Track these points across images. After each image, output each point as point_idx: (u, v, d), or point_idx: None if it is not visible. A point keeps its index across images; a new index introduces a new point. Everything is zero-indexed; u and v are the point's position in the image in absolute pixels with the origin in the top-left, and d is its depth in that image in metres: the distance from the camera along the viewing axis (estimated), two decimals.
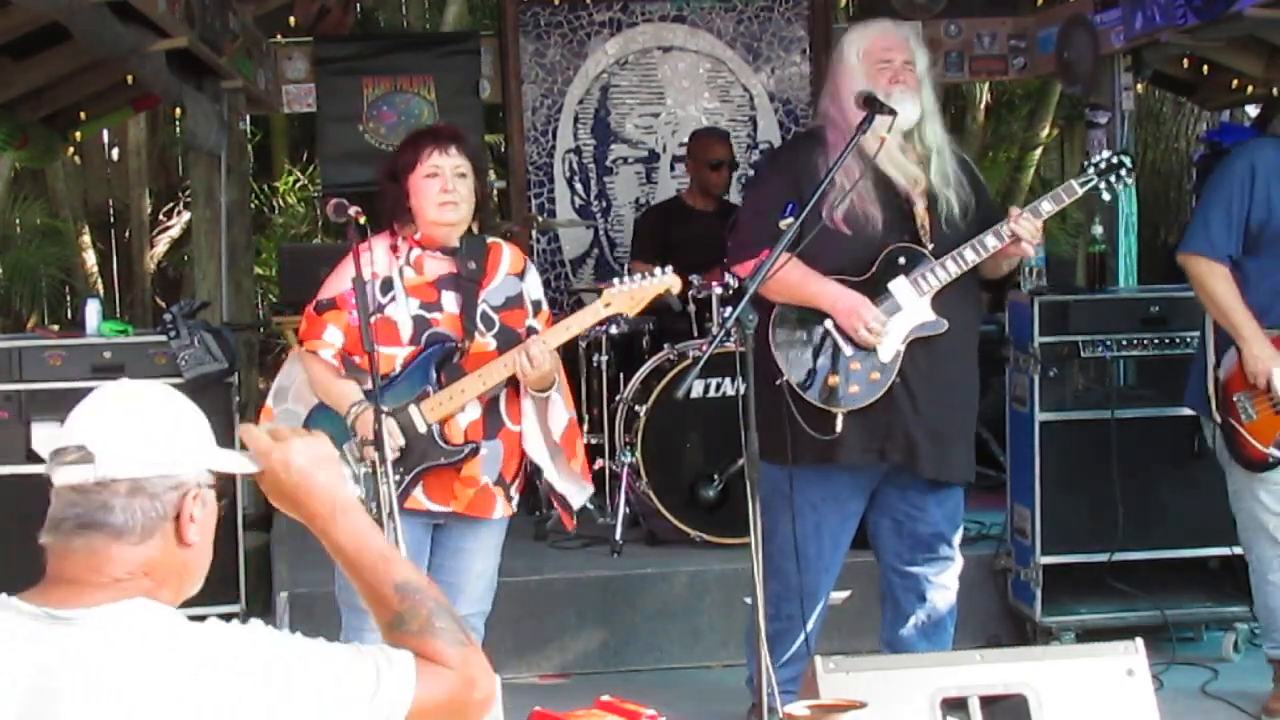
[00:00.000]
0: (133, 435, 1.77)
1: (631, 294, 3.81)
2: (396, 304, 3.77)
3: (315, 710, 1.73)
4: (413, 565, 1.95)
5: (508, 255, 3.93)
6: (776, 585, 4.02)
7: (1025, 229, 3.92)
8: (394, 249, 3.81)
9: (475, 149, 3.92)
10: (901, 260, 3.99)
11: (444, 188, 3.75)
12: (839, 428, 3.96)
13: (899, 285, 3.98)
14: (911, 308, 3.98)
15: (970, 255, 3.97)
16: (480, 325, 3.80)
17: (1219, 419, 4.40)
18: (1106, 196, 4.16)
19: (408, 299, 3.76)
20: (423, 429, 3.73)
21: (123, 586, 1.75)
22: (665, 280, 3.83)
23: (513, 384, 3.81)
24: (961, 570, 4.30)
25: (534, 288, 3.94)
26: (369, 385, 3.70)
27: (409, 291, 3.78)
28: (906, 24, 4.22)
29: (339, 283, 3.81)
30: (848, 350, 3.99)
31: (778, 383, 3.94)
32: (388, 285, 3.78)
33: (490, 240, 3.95)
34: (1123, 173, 4.05)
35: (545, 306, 3.97)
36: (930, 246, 3.99)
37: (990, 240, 3.96)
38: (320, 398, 3.83)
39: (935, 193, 4.01)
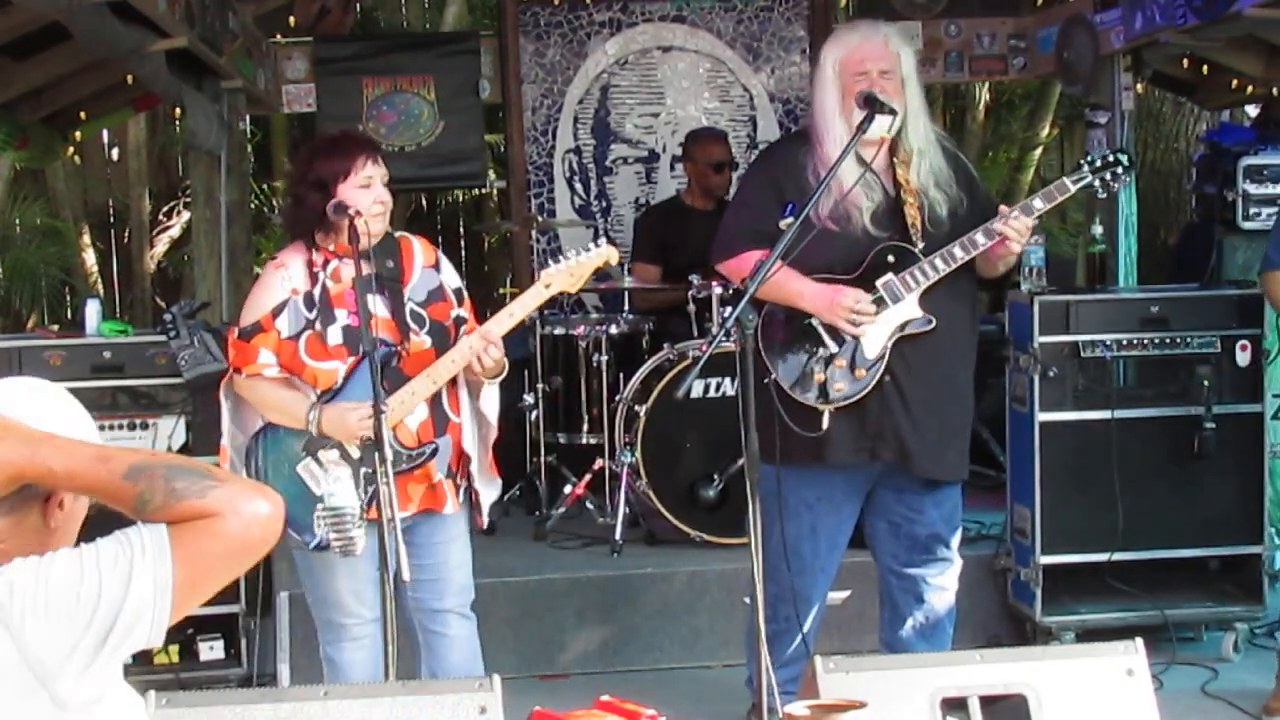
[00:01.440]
0: (55, 425, 1.83)
1: (570, 270, 3.77)
2: (324, 318, 3.70)
3: (57, 626, 1.72)
4: (132, 449, 1.88)
5: (419, 249, 3.88)
6: (774, 586, 4.02)
7: (1013, 228, 3.92)
8: (311, 263, 3.74)
9: None
10: (890, 258, 4.00)
11: (379, 198, 3.72)
12: (825, 425, 3.97)
13: (887, 282, 3.99)
14: (899, 305, 3.99)
15: (959, 253, 3.96)
16: (412, 324, 3.75)
17: None
18: (1102, 194, 4.14)
19: (334, 311, 3.70)
20: None
21: None
22: (602, 252, 3.80)
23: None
24: (961, 570, 4.30)
25: (451, 277, 3.90)
26: (317, 399, 3.67)
27: (333, 302, 3.71)
28: (889, 25, 4.15)
29: (260, 306, 3.74)
30: (833, 347, 4.00)
31: (765, 381, 3.95)
32: (311, 300, 3.71)
33: (398, 235, 3.89)
34: (1119, 170, 4.02)
35: (465, 293, 3.93)
36: (920, 245, 3.99)
37: (980, 238, 3.96)
38: (272, 418, 3.75)
39: (925, 191, 4.01)
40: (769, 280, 3.69)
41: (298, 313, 3.70)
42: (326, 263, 3.73)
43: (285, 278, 3.72)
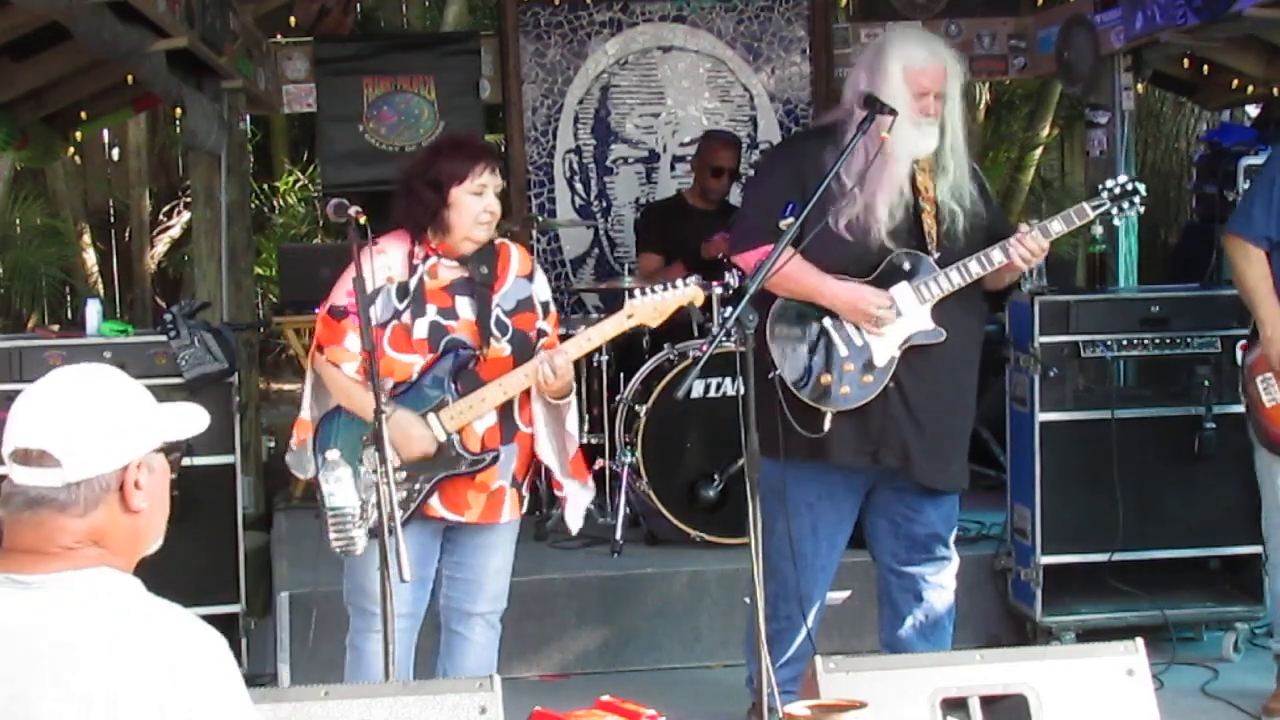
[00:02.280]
0: (92, 434, 1.85)
1: (655, 306, 3.75)
2: (415, 311, 3.73)
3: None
4: None
5: (516, 257, 3.89)
6: (774, 585, 4.02)
7: (1029, 249, 3.92)
8: (411, 254, 3.76)
9: None
10: (906, 265, 3.99)
11: (489, 207, 3.73)
12: (826, 427, 3.97)
13: (901, 290, 3.98)
14: (911, 314, 3.98)
15: (975, 268, 3.97)
16: (495, 331, 3.77)
17: (1244, 400, 4.46)
18: (1117, 222, 4.20)
19: (425, 305, 3.73)
20: (442, 438, 3.70)
21: (74, 555, 1.83)
22: (689, 291, 3.76)
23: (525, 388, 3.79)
24: (961, 570, 4.30)
25: (542, 289, 3.91)
26: (391, 391, 3.68)
27: (427, 296, 3.74)
28: (948, 47, 4.09)
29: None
30: (843, 351, 3.99)
31: (771, 376, 3.95)
32: (404, 291, 3.73)
33: (498, 241, 3.89)
34: (1136, 199, 4.06)
35: (553, 307, 3.95)
36: (936, 256, 3.99)
37: (996, 255, 3.96)
38: (341, 401, 3.79)
39: (944, 204, 4.01)
40: (790, 273, 3.68)
41: (389, 301, 3.72)
42: (426, 257, 3.75)
43: (384, 265, 3.72)
